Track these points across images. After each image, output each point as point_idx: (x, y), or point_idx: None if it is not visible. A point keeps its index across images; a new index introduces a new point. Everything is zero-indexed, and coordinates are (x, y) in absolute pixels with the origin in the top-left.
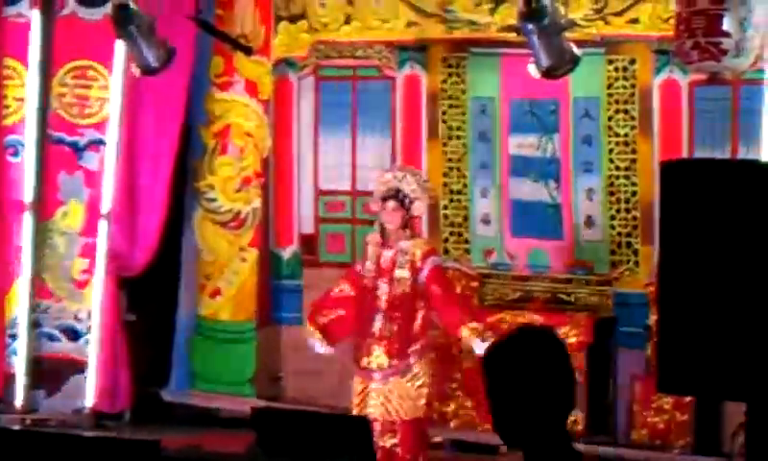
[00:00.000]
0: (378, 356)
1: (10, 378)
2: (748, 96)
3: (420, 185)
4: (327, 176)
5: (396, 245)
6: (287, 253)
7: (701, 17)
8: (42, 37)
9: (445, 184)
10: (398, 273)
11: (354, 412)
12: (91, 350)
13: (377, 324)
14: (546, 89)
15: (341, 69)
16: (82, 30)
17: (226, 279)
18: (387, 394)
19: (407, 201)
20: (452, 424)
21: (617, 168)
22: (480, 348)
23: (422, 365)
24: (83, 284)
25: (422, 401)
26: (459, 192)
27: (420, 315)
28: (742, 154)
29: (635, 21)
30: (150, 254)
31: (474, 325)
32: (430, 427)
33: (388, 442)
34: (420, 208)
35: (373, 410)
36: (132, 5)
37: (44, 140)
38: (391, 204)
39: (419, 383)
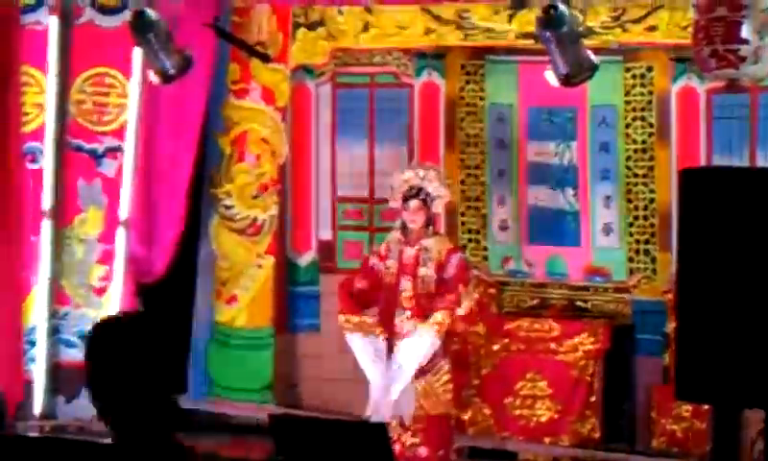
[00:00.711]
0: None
1: (28, 385)
2: (766, 103)
3: (442, 182)
4: (345, 183)
5: (418, 243)
6: (304, 259)
7: (719, 25)
8: (60, 45)
9: (463, 191)
10: (423, 271)
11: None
12: None
13: (402, 322)
14: (564, 97)
15: (359, 76)
16: (100, 37)
17: (242, 286)
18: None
19: (429, 199)
20: (470, 432)
21: (635, 175)
22: (422, 335)
23: (445, 362)
24: (101, 291)
25: (449, 396)
26: (477, 199)
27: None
28: (761, 161)
29: (652, 29)
30: (167, 260)
31: (440, 318)
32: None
33: (408, 441)
34: (441, 206)
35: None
36: (149, 12)
37: (63, 147)
38: (414, 203)
39: (445, 379)
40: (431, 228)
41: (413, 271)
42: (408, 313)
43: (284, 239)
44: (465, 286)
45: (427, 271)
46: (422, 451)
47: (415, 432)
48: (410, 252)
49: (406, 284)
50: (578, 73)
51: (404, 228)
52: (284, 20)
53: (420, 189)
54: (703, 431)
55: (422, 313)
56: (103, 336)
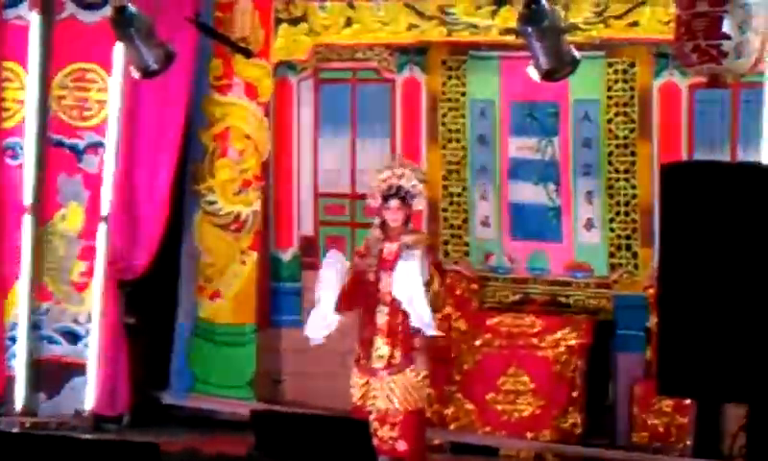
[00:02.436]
0: (380, 348)
1: (9, 381)
2: (748, 98)
3: (420, 180)
4: (327, 178)
5: (398, 239)
6: (287, 255)
7: (701, 20)
8: (42, 40)
9: (445, 187)
10: None
11: (357, 404)
12: (91, 352)
13: (382, 317)
14: (546, 92)
15: (341, 72)
16: (81, 32)
17: (225, 282)
18: (391, 386)
19: (409, 197)
20: (452, 427)
21: (617, 171)
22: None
23: (423, 357)
24: (82, 287)
25: (425, 392)
26: (459, 195)
27: None
28: (742, 156)
29: (635, 24)
30: (149, 256)
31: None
32: (429, 427)
33: (387, 434)
34: (420, 203)
35: (376, 403)
36: (131, 7)
37: (44, 143)
38: (394, 202)
39: (423, 374)
40: (410, 224)
41: (393, 266)
42: (388, 309)
43: (267, 235)
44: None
45: None
46: (400, 446)
47: (392, 427)
48: (391, 247)
49: (387, 280)
50: (560, 68)
51: (383, 225)
52: (266, 16)
53: (400, 188)
54: (684, 426)
55: (399, 308)
56: None
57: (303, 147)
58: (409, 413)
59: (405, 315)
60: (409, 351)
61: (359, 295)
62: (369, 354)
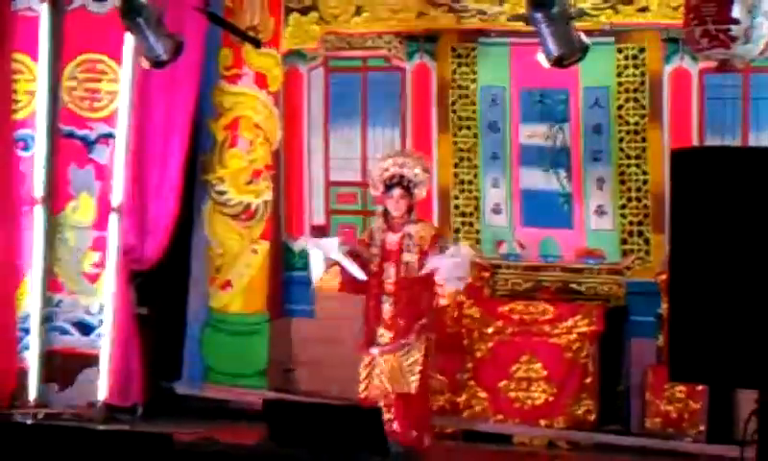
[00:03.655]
0: (383, 336)
1: (22, 373)
2: (758, 83)
3: (423, 169)
4: (338, 167)
5: (402, 229)
6: (298, 244)
7: (710, 4)
8: (51, 31)
9: (456, 175)
10: (406, 256)
11: (362, 393)
12: (103, 343)
13: (386, 308)
14: (556, 79)
15: (351, 60)
16: (91, 23)
17: (237, 272)
18: (382, 366)
19: (411, 186)
20: (465, 414)
21: (628, 157)
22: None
23: (418, 344)
24: (94, 278)
25: (412, 378)
26: (470, 182)
27: (425, 297)
28: (752, 141)
29: (644, 9)
30: (161, 247)
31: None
32: (441, 416)
33: (386, 415)
34: (423, 192)
35: (373, 382)
36: None
37: (54, 134)
38: (397, 191)
39: (411, 360)
40: (413, 214)
41: (396, 257)
42: (392, 299)
43: (279, 224)
44: None
45: (411, 257)
46: (395, 427)
47: (388, 408)
48: (393, 238)
49: (390, 270)
50: (570, 55)
51: (386, 215)
52: (276, 4)
53: (402, 177)
54: (697, 411)
55: (405, 299)
56: None
57: (314, 136)
58: (398, 396)
59: (409, 305)
60: (406, 336)
61: (363, 284)
62: (372, 341)
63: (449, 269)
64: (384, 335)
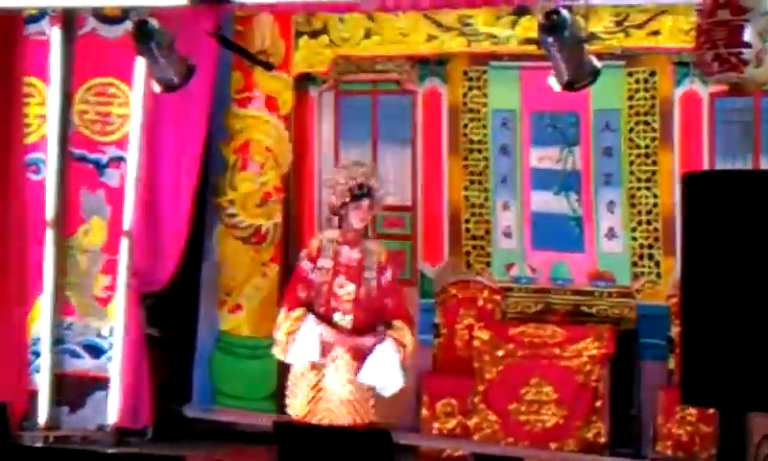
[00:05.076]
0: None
1: (33, 395)
2: None
3: (379, 179)
4: None
5: (359, 245)
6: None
7: (722, 28)
8: (63, 55)
9: (467, 198)
10: (368, 274)
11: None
12: (114, 366)
13: (343, 323)
14: (567, 102)
15: (361, 84)
16: (102, 47)
17: (246, 295)
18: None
19: (378, 198)
20: (475, 438)
21: (638, 180)
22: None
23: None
24: (105, 301)
25: (370, 404)
26: (480, 205)
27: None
28: (764, 164)
29: (655, 33)
30: (171, 270)
31: (397, 335)
32: (451, 439)
33: None
34: (382, 204)
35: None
36: (151, 22)
37: (66, 158)
38: (365, 202)
39: (366, 387)
40: (368, 229)
41: (358, 275)
42: (350, 317)
43: (288, 247)
44: (406, 321)
45: (371, 275)
46: None
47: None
48: (352, 254)
49: (349, 287)
50: (580, 78)
51: (342, 226)
52: (286, 28)
53: (371, 188)
54: (708, 435)
55: (363, 318)
56: None
57: (324, 159)
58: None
59: (366, 322)
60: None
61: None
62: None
63: (376, 363)
64: (341, 354)
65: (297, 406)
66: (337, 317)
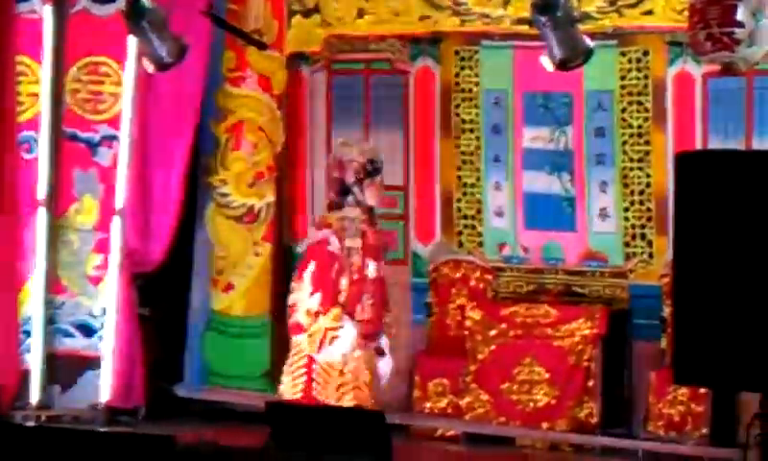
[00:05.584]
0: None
1: (24, 375)
2: (761, 86)
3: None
4: None
5: (377, 223)
6: (301, 247)
7: (714, 8)
8: (55, 34)
9: (459, 178)
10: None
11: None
12: (106, 346)
13: (367, 306)
14: (559, 82)
15: (354, 63)
16: (94, 25)
17: (239, 274)
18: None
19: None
20: (467, 417)
21: (631, 160)
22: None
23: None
24: (97, 280)
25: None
26: (472, 185)
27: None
28: (756, 144)
29: (648, 13)
30: (163, 249)
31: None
32: (443, 418)
33: None
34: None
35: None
36: (144, 0)
37: (58, 136)
38: (378, 179)
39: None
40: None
41: (376, 253)
42: (372, 300)
43: (281, 226)
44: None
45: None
46: None
47: None
48: (369, 233)
49: (372, 266)
50: (573, 58)
51: (359, 205)
52: (279, 7)
53: (381, 164)
54: (700, 414)
55: (378, 297)
56: None
57: (317, 138)
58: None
59: (379, 303)
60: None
61: (338, 282)
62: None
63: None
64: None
65: (293, 388)
66: (365, 299)
